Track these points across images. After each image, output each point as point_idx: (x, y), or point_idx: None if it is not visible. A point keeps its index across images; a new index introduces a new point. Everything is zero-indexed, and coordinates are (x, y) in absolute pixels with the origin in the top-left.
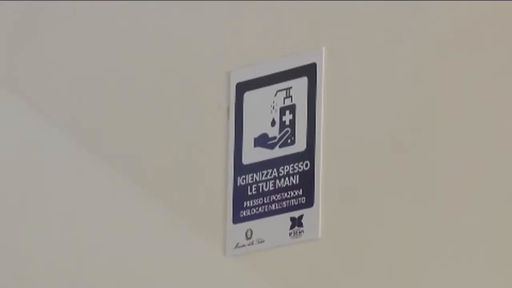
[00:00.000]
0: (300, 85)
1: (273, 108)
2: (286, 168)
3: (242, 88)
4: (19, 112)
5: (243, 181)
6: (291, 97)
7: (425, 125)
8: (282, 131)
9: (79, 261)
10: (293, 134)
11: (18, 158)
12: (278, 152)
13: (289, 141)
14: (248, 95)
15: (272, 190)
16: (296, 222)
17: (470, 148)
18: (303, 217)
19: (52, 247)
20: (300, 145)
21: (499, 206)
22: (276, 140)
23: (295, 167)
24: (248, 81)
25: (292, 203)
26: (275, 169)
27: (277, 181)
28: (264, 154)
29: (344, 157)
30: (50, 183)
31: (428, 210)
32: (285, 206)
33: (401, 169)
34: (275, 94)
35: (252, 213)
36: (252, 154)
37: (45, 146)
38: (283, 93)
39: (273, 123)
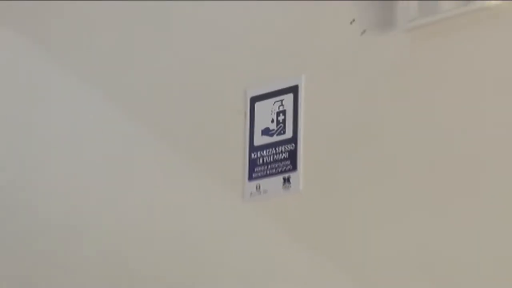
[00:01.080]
0: (288, 98)
1: (272, 112)
2: (280, 148)
3: (254, 100)
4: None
5: (254, 156)
6: (283, 105)
7: (373, 121)
8: (277, 126)
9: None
10: (284, 127)
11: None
12: (275, 138)
13: (282, 132)
14: (258, 104)
15: (271, 161)
16: (286, 181)
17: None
18: (290, 178)
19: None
20: (288, 134)
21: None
22: (274, 131)
23: (285, 147)
24: (257, 95)
25: (284, 169)
26: (273, 149)
27: (275, 156)
28: (267, 140)
29: (316, 141)
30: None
31: (380, 174)
32: (279, 171)
33: (354, 147)
34: (273, 104)
35: (260, 175)
36: (260, 140)
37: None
38: (278, 103)
39: (272, 121)
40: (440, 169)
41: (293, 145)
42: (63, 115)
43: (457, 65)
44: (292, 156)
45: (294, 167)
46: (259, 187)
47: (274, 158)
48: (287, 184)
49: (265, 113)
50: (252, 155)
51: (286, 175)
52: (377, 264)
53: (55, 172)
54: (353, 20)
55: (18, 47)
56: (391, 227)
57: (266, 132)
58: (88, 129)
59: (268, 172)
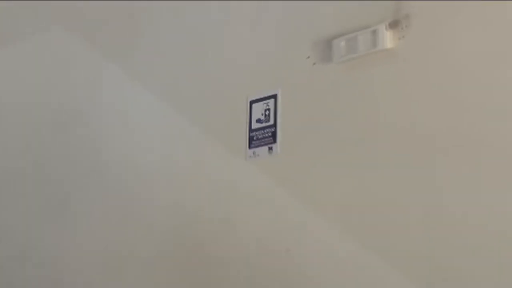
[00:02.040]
0: (271, 102)
1: (262, 109)
2: (266, 130)
3: (252, 102)
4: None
5: (252, 134)
6: (268, 106)
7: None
8: (265, 117)
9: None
10: (268, 118)
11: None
12: (263, 124)
13: (267, 121)
14: (254, 105)
15: (262, 137)
16: (270, 149)
17: None
18: (272, 147)
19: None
20: (271, 122)
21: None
22: (263, 120)
23: (269, 130)
24: (254, 100)
25: (269, 142)
26: (263, 130)
27: (263, 134)
28: (259, 125)
29: (286, 126)
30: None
31: (327, 145)
32: (266, 143)
33: (308, 131)
34: (263, 104)
35: (255, 145)
36: (255, 125)
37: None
38: (265, 105)
39: (262, 114)
40: (375, 146)
41: (274, 128)
42: (111, 101)
43: (368, 85)
44: (273, 135)
45: (274, 141)
46: (255, 152)
47: (263, 136)
48: (270, 151)
49: (258, 110)
50: (251, 134)
51: (270, 145)
52: (332, 199)
53: (112, 140)
54: (308, 57)
55: (76, 47)
56: (339, 178)
57: (259, 121)
58: (134, 112)
59: (260, 143)
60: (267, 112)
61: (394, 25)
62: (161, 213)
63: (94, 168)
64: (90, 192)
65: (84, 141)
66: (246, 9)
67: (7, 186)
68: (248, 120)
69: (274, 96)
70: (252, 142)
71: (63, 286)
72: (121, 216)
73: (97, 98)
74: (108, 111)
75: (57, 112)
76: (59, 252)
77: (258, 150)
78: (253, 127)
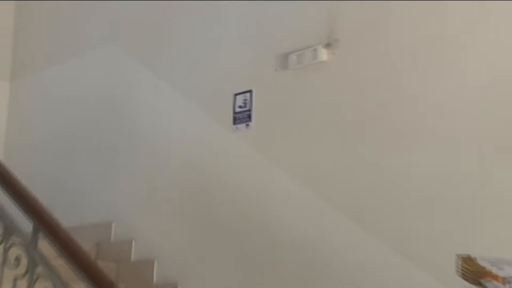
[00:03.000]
0: (248, 95)
1: (242, 100)
2: (245, 113)
3: (236, 95)
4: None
5: (235, 116)
6: (246, 97)
7: None
8: (244, 105)
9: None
10: (246, 105)
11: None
12: (243, 109)
13: (245, 107)
14: (237, 97)
15: (241, 118)
16: (247, 125)
17: None
18: (249, 124)
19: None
20: (248, 108)
21: None
22: (243, 107)
23: (247, 112)
24: (237, 93)
25: (246, 120)
26: (242, 113)
27: (242, 115)
28: (240, 109)
29: (257, 110)
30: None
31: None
32: (244, 121)
33: (271, 114)
34: (243, 96)
35: (237, 123)
36: (238, 109)
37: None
38: (245, 97)
39: (242, 103)
40: (317, 126)
41: (249, 112)
42: (144, 92)
43: (311, 84)
44: (249, 116)
45: (250, 120)
46: (237, 127)
47: (242, 116)
48: (247, 126)
49: (240, 100)
50: (235, 115)
51: (247, 123)
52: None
53: (144, 118)
54: (276, 69)
55: (120, 56)
56: (293, 145)
57: (240, 107)
58: (159, 100)
59: (240, 121)
60: (245, 101)
61: (328, 45)
62: (178, 168)
63: (132, 137)
64: (129, 153)
65: (126, 119)
66: (234, 31)
67: (74, 149)
68: (233, 106)
69: (250, 91)
70: (236, 120)
71: (110, 219)
72: (150, 170)
73: (134, 90)
74: (141, 99)
75: (108, 100)
76: (108, 195)
77: (239, 126)
78: (236, 111)
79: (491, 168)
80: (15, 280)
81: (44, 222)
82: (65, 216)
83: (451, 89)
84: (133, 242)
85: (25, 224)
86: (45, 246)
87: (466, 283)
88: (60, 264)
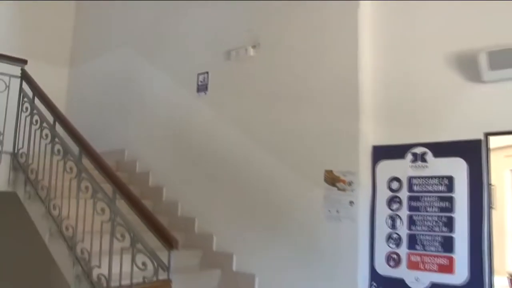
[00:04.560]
0: (206, 75)
1: (202, 77)
2: (203, 85)
3: (198, 75)
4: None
5: (199, 88)
6: (205, 76)
7: None
8: (203, 80)
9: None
10: (204, 80)
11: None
12: (203, 83)
13: (204, 82)
14: (199, 76)
15: (202, 89)
16: (205, 93)
17: None
18: (206, 92)
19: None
20: (206, 82)
21: None
22: (203, 81)
23: (205, 84)
24: (199, 73)
25: (204, 90)
26: (203, 85)
27: (202, 87)
28: (201, 83)
29: (211, 87)
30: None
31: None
32: (203, 90)
33: (221, 87)
34: (203, 76)
35: (200, 90)
36: (199, 83)
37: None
38: (204, 76)
39: (202, 79)
40: (250, 97)
41: (207, 85)
42: (146, 78)
43: (244, 71)
44: (206, 87)
45: (207, 90)
46: (199, 95)
47: (203, 88)
48: (206, 94)
49: (201, 77)
50: (198, 86)
51: (205, 92)
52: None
53: (147, 96)
54: (228, 56)
55: (130, 54)
56: (234, 107)
57: (201, 82)
58: (156, 83)
59: (201, 91)
60: (204, 78)
61: (254, 46)
62: (164, 118)
63: (139, 101)
64: (136, 110)
65: (135, 91)
66: (200, 37)
67: (105, 109)
68: (197, 81)
69: (207, 72)
70: (198, 90)
71: (124, 147)
72: (148, 119)
73: (140, 74)
74: (144, 79)
75: (125, 80)
76: (124, 134)
77: (200, 93)
78: (199, 84)
79: (336, 119)
80: (70, 180)
81: (85, 148)
82: (98, 144)
83: (322, 75)
84: (137, 162)
85: (74, 149)
86: (86, 162)
87: (327, 185)
88: (96, 174)
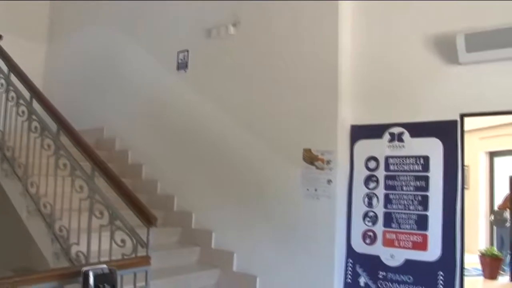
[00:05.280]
0: (186, 53)
1: (182, 55)
2: (183, 64)
3: (179, 52)
4: None
5: (179, 66)
6: (185, 54)
7: None
8: (184, 60)
9: None
10: (184, 60)
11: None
12: (183, 61)
13: (185, 60)
14: (179, 54)
15: (182, 66)
16: (185, 70)
17: None
18: (186, 70)
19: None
20: (184, 62)
21: None
22: (183, 60)
23: (185, 62)
24: (180, 50)
25: (185, 67)
26: (183, 63)
27: (182, 65)
28: (181, 61)
29: (191, 63)
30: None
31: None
32: (183, 68)
33: (204, 65)
34: (184, 54)
35: (180, 68)
36: (180, 61)
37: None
38: (184, 54)
39: (183, 57)
40: (231, 74)
41: (187, 62)
42: (127, 53)
43: (225, 48)
44: (186, 65)
45: (187, 67)
46: (179, 71)
47: (183, 66)
48: (186, 72)
49: (181, 55)
50: (178, 64)
51: (185, 69)
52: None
53: (128, 70)
54: (210, 34)
55: (109, 30)
56: (212, 84)
57: (181, 60)
58: (137, 59)
59: (181, 67)
60: (184, 56)
61: (234, 25)
62: (145, 94)
63: (120, 79)
64: (117, 87)
65: (117, 68)
66: (182, 16)
67: (85, 86)
68: (177, 59)
69: (187, 50)
70: (179, 67)
71: (103, 125)
72: (129, 97)
73: (122, 51)
74: (126, 56)
75: (107, 57)
76: (103, 111)
77: (180, 71)
78: (179, 62)
79: (315, 99)
80: (48, 157)
81: (63, 125)
82: (76, 122)
83: (303, 55)
84: (116, 140)
85: (52, 126)
86: (64, 140)
87: (306, 164)
88: (74, 151)
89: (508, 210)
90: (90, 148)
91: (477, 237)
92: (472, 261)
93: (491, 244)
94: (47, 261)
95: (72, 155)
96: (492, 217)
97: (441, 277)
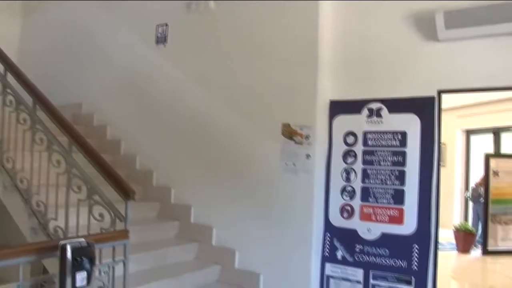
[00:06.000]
0: (166, 27)
1: (161, 29)
2: (162, 40)
3: (157, 26)
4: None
5: (157, 38)
6: (164, 28)
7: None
8: (162, 32)
9: None
10: (163, 32)
11: None
12: (162, 35)
13: (163, 34)
14: (159, 28)
15: (161, 40)
16: (164, 45)
17: None
18: (165, 44)
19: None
20: (166, 34)
21: None
22: (162, 34)
23: (164, 36)
24: (158, 24)
25: (163, 42)
26: (162, 37)
27: (161, 40)
28: (160, 35)
29: (170, 36)
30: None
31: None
32: (162, 42)
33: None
34: (162, 27)
35: (159, 42)
36: (158, 35)
37: None
38: (164, 27)
39: (162, 32)
40: (212, 47)
41: (166, 37)
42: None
43: (206, 21)
44: (165, 39)
45: (166, 42)
46: (159, 46)
47: (162, 40)
48: (165, 44)
49: (160, 29)
50: (157, 38)
51: (164, 43)
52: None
53: (105, 48)
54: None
55: (86, 6)
56: (190, 58)
57: (160, 33)
58: (116, 35)
59: (160, 42)
60: (163, 30)
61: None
62: (124, 68)
63: (99, 53)
64: (95, 62)
65: (93, 48)
66: None
67: (61, 58)
68: (156, 33)
69: (166, 24)
70: (158, 41)
71: (81, 100)
72: (107, 71)
73: (101, 25)
74: (105, 30)
75: (84, 31)
76: (80, 85)
77: (159, 45)
78: (158, 36)
79: (295, 74)
80: (24, 131)
81: (39, 99)
82: (53, 97)
83: (283, 30)
84: (95, 115)
85: (28, 100)
86: (41, 115)
87: (285, 138)
88: (52, 127)
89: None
90: (68, 122)
91: (452, 213)
92: (447, 236)
93: (466, 219)
94: (24, 236)
95: (49, 130)
96: (469, 194)
97: (416, 250)
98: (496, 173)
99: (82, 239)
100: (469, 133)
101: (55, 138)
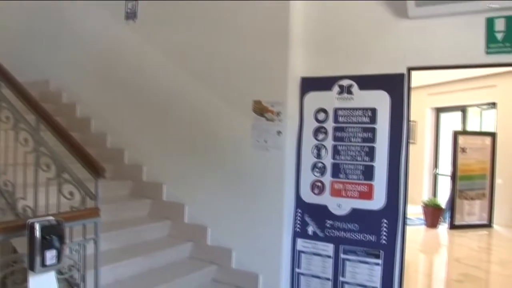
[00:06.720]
0: (135, 2)
1: (131, 5)
2: (132, 14)
3: (126, 1)
4: None
5: (127, 14)
6: (134, 3)
7: None
8: (132, 8)
9: None
10: (133, 7)
11: None
12: (132, 11)
13: (133, 9)
14: (127, 3)
15: (131, 16)
16: (134, 20)
17: None
18: (135, 19)
19: None
20: (135, 10)
21: None
22: (131, 9)
23: (133, 12)
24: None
25: (133, 18)
26: (131, 13)
27: (132, 15)
28: (129, 11)
29: (141, 12)
30: None
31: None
32: (132, 18)
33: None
34: (131, 3)
35: (128, 19)
36: (128, 11)
37: None
38: (132, 3)
39: (130, 6)
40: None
41: (136, 12)
42: (74, 16)
43: (181, 3)
44: (135, 14)
45: (136, 17)
46: (128, 22)
47: (131, 16)
48: (134, 22)
49: (129, 5)
50: (127, 14)
51: (134, 19)
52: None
53: (75, 23)
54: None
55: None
56: (160, 35)
57: (129, 9)
58: (88, 14)
59: (130, 18)
60: (133, 6)
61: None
62: (94, 44)
63: (68, 29)
64: (62, 45)
65: (60, 24)
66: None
67: (30, 36)
68: (125, 9)
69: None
70: (127, 17)
71: (48, 77)
72: (78, 49)
73: (65, 3)
74: (69, 10)
75: (47, 7)
76: (49, 63)
77: (129, 21)
78: (127, 12)
79: (265, 51)
80: None
81: (3, 75)
82: (18, 74)
83: (254, 5)
84: (63, 93)
85: None
86: (7, 92)
87: (256, 115)
88: (20, 106)
89: None
90: (34, 99)
91: (421, 189)
92: (416, 211)
93: (434, 195)
94: None
95: (16, 108)
96: (438, 170)
97: (385, 225)
98: (463, 150)
99: (51, 217)
100: (438, 110)
101: (22, 116)
